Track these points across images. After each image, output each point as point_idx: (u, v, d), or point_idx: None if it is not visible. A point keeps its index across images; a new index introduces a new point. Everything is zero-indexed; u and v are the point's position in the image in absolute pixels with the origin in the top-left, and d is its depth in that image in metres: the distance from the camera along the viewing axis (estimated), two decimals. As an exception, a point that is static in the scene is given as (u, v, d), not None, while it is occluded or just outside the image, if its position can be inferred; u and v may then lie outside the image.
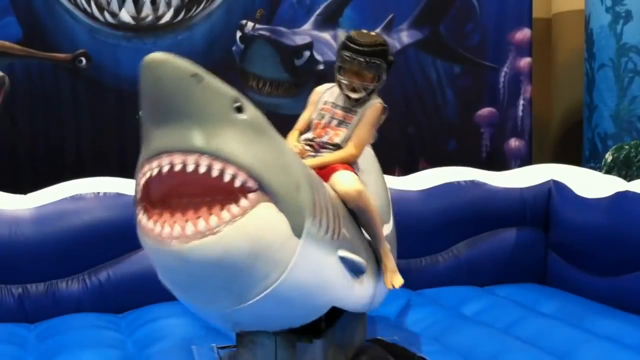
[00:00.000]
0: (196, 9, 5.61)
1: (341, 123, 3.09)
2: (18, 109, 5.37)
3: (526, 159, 6.35)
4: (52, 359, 3.39)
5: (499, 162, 6.14)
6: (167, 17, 5.54)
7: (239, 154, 2.25)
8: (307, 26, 5.83)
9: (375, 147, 3.49)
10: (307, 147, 3.09)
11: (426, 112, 6.22)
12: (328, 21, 5.85)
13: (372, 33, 3.15)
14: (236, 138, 2.27)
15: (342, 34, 3.08)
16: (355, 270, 2.82)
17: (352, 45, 3.01)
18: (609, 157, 5.19)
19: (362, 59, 2.99)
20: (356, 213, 2.97)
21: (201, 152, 2.21)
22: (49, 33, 5.41)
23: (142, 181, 2.28)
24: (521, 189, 4.73)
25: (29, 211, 4.11)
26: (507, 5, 6.31)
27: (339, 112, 3.10)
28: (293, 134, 3.16)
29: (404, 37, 6.12)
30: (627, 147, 5.15)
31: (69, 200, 4.18)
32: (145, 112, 2.28)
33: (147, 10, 5.50)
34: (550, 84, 7.18)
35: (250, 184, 2.26)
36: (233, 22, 5.71)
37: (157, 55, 2.20)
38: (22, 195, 4.23)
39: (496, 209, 4.68)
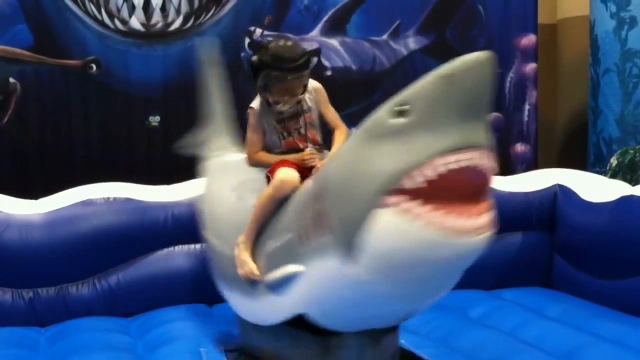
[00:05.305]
0: (205, 16, 5.66)
1: (310, 125, 3.13)
2: (29, 115, 5.42)
3: (532, 164, 6.37)
4: (63, 362, 3.43)
5: (504, 166, 6.16)
6: (176, 24, 5.59)
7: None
8: (315, 32, 5.87)
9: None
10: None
11: (432, 117, 6.24)
12: (336, 28, 5.89)
13: (289, 42, 3.07)
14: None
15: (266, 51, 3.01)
16: None
17: (280, 64, 2.92)
18: (613, 161, 5.20)
19: (294, 76, 2.95)
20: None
21: (486, 149, 2.35)
22: (60, 40, 5.46)
23: (438, 172, 2.30)
24: (527, 193, 4.75)
25: (39, 216, 4.15)
26: (513, 11, 6.34)
27: (300, 120, 3.11)
28: (271, 154, 3.15)
29: (411, 43, 6.16)
30: (631, 151, 5.16)
31: (80, 205, 4.22)
32: (451, 104, 2.32)
33: (156, 17, 5.54)
34: (556, 88, 7.20)
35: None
36: (241, 28, 5.75)
37: (488, 55, 2.30)
38: (33, 200, 4.27)
39: (502, 213, 4.59)
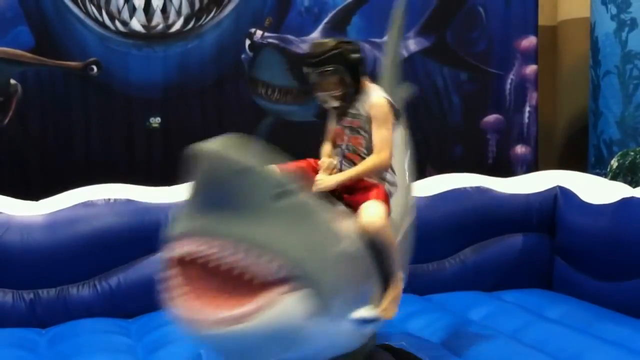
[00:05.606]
0: (206, 18, 5.66)
1: (352, 130, 3.06)
2: (30, 117, 5.42)
3: (532, 165, 6.37)
4: (63, 363, 3.43)
5: (505, 168, 6.16)
6: (177, 26, 5.58)
7: (275, 243, 2.29)
8: (316, 34, 5.86)
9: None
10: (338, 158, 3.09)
11: (433, 119, 6.25)
12: (336, 29, 5.88)
13: (326, 40, 3.06)
14: (274, 226, 2.30)
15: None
16: (366, 321, 2.80)
17: (305, 60, 2.99)
18: (614, 163, 5.20)
19: (314, 71, 2.95)
20: (373, 244, 2.87)
21: (238, 240, 2.25)
22: (61, 42, 5.46)
23: (175, 254, 2.32)
24: (527, 195, 4.76)
25: (40, 217, 4.16)
26: (513, 13, 6.34)
27: (347, 119, 3.07)
28: (325, 147, 3.18)
29: (411, 44, 6.16)
30: (632, 153, 5.16)
31: (80, 206, 4.22)
32: (193, 194, 2.31)
33: (157, 19, 5.54)
34: (556, 90, 7.20)
35: (284, 272, 2.30)
36: (242, 30, 5.75)
37: (209, 148, 2.24)
38: (33, 202, 4.28)
39: (502, 214, 4.71)
